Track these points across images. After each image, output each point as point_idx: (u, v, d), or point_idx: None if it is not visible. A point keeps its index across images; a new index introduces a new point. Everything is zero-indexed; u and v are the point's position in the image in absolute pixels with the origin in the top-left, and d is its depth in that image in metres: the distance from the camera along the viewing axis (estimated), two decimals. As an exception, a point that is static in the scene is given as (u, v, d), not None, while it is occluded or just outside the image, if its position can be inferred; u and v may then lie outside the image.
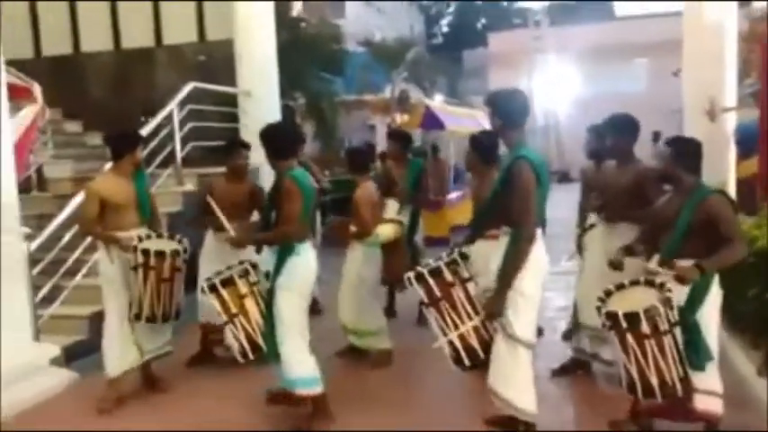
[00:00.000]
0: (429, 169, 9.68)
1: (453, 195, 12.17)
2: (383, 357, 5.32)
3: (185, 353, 5.39)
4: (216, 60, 9.04)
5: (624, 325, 3.37)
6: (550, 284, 5.81)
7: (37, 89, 6.90)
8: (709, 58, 7.12)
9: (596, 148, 4.93)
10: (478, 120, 14.27)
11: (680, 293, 3.44)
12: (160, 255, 4.54)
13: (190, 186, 7.20)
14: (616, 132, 4.53)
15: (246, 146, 5.43)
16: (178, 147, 7.28)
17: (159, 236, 4.71)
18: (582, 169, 5.17)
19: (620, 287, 3.53)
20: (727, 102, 7.16)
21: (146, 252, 4.50)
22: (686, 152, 3.68)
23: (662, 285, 3.41)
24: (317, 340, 4.33)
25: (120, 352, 4.61)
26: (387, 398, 4.71)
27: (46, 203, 7.22)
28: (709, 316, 3.54)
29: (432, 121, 13.31)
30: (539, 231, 3.64)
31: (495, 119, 3.72)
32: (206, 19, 9.34)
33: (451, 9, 45.04)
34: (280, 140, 4.15)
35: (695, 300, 3.48)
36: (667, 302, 3.37)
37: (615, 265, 3.89)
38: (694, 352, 3.45)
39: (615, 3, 35.60)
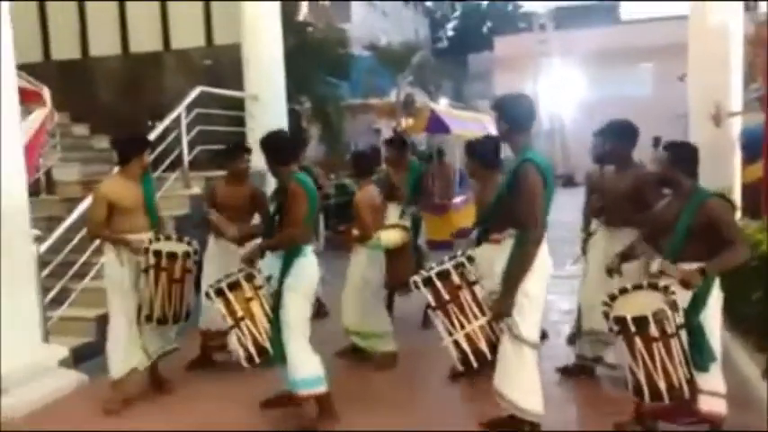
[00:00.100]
0: (435, 173, 9.74)
1: (458, 199, 12.20)
2: (387, 359, 5.35)
3: (185, 357, 5.43)
4: (223, 64, 9.10)
5: (633, 329, 3.40)
6: (554, 288, 5.82)
7: (47, 93, 6.97)
8: (715, 62, 7.13)
9: (602, 153, 4.97)
10: (484, 124, 14.29)
11: (683, 296, 3.47)
12: (172, 256, 4.58)
13: (197, 189, 7.25)
14: (614, 138, 4.60)
15: (248, 150, 5.48)
16: (185, 150, 7.33)
17: (168, 238, 4.75)
18: (587, 173, 5.21)
19: (624, 291, 3.55)
20: (732, 106, 7.17)
21: (157, 253, 4.54)
22: (684, 156, 3.72)
23: (666, 288, 3.44)
24: (321, 343, 4.36)
25: (125, 354, 4.64)
26: (390, 399, 4.75)
27: (54, 206, 7.28)
28: (712, 317, 3.58)
29: (437, 125, 13.34)
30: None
31: (501, 123, 3.76)
32: (213, 23, 9.41)
33: (457, 13, 45.08)
34: (281, 146, 4.23)
35: (698, 302, 3.52)
36: (674, 305, 3.40)
37: (612, 272, 3.92)
38: (699, 353, 3.48)
39: (621, 6, 35.59)
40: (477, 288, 3.78)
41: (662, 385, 3.40)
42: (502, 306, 3.61)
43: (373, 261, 5.36)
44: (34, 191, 6.95)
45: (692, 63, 7.50)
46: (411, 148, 13.46)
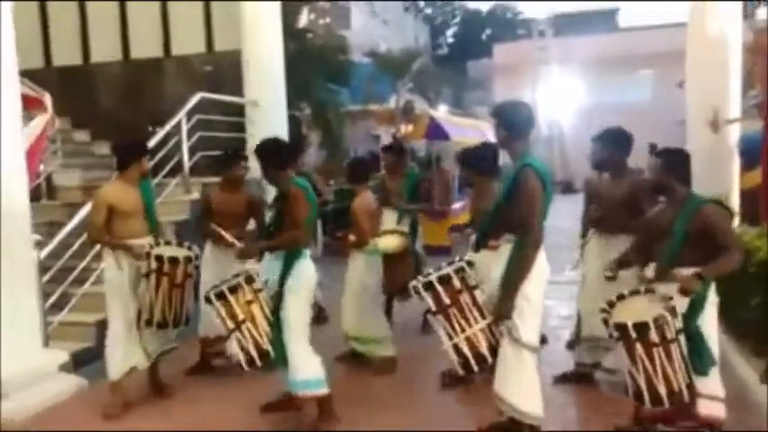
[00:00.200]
0: (434, 179, 9.76)
1: (457, 205, 12.21)
2: (386, 364, 5.37)
3: (185, 363, 5.46)
4: (223, 70, 9.13)
5: (634, 335, 3.41)
6: (553, 294, 5.87)
7: (48, 99, 7.00)
8: (713, 68, 7.16)
9: (599, 159, 5.00)
10: (483, 130, 14.32)
11: (681, 301, 3.50)
12: (174, 261, 4.60)
13: (197, 195, 7.26)
14: (609, 145, 4.64)
15: (244, 157, 5.50)
16: (186, 156, 7.36)
17: (168, 243, 4.78)
18: (586, 180, 5.24)
19: (621, 298, 3.58)
20: (730, 113, 7.20)
21: (159, 258, 4.56)
22: (677, 162, 3.76)
23: (663, 294, 3.47)
24: (320, 347, 4.38)
25: (123, 355, 4.66)
26: (390, 402, 4.76)
27: (55, 211, 7.31)
28: (709, 322, 3.61)
29: (437, 132, 13.37)
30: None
31: (500, 130, 3.80)
32: (214, 29, 9.44)
33: (456, 20, 45.28)
34: (278, 151, 4.29)
35: (696, 307, 3.54)
36: (673, 311, 3.43)
37: (609, 278, 3.95)
38: (698, 357, 3.51)
39: (619, 13, 35.71)
40: (477, 292, 3.81)
41: (662, 390, 3.41)
42: (502, 309, 3.63)
43: (371, 266, 5.40)
44: (35, 196, 6.97)
45: (691, 70, 7.53)
46: (411, 154, 13.55)
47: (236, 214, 5.35)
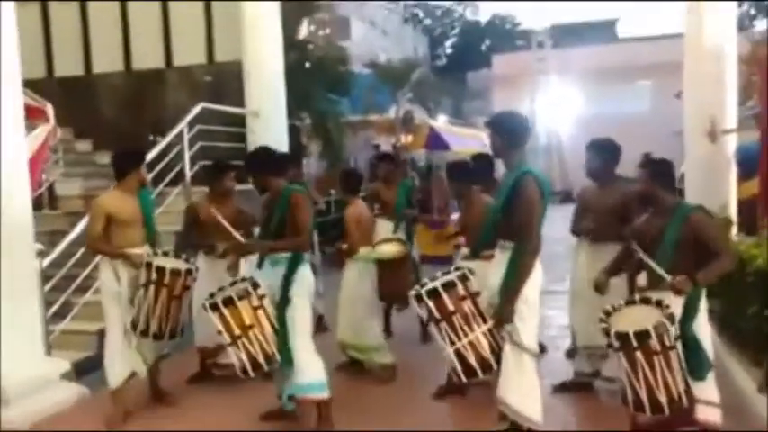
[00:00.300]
0: (433, 190, 9.82)
1: (456, 215, 12.23)
2: (387, 372, 5.40)
3: (186, 372, 5.49)
4: (224, 81, 9.20)
5: (635, 343, 3.44)
6: (553, 303, 5.92)
7: (50, 109, 7.05)
8: (710, 80, 7.23)
9: (588, 168, 5.06)
10: (483, 140, 14.40)
11: (675, 307, 3.54)
12: (175, 273, 4.58)
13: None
14: (597, 155, 4.72)
15: (233, 167, 5.50)
16: (187, 165, 7.41)
17: (165, 253, 4.75)
18: (581, 189, 5.27)
19: (617, 308, 3.62)
20: (727, 124, 7.26)
21: (160, 269, 4.53)
22: (662, 172, 3.84)
23: (659, 302, 3.51)
24: (321, 356, 4.39)
25: (122, 362, 4.66)
26: (390, 411, 4.78)
27: (57, 220, 7.35)
28: (703, 327, 3.69)
29: (437, 142, 13.47)
30: None
31: (496, 139, 3.85)
32: (215, 40, 9.52)
33: (455, 31, 45.50)
34: (270, 159, 4.39)
35: (690, 312, 3.60)
36: (671, 317, 3.47)
37: (598, 287, 3.99)
38: (696, 363, 3.56)
39: (618, 24, 35.90)
40: (479, 299, 3.85)
41: (663, 398, 3.44)
42: (503, 313, 3.68)
43: (365, 275, 5.44)
44: (37, 206, 7.01)
45: (688, 81, 7.61)
46: (411, 164, 13.63)
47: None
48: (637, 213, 4.20)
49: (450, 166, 5.22)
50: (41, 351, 5.21)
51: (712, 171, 7.25)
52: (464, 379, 3.83)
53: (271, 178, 4.30)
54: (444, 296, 3.80)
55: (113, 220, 4.58)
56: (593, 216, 4.77)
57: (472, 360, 3.75)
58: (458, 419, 4.67)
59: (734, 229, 6.68)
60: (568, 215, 5.05)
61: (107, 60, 10.02)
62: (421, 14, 45.11)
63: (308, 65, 12.71)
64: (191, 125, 7.53)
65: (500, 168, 4.23)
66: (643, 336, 3.42)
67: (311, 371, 4.21)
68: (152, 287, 4.53)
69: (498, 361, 3.78)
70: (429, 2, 44.41)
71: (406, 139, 13.49)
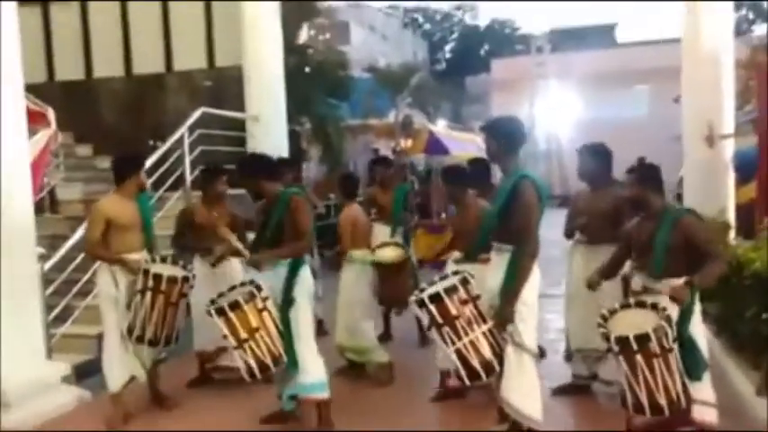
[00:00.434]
0: (432, 194, 9.84)
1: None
2: (384, 372, 5.42)
3: (186, 377, 5.52)
4: (224, 86, 9.24)
5: (635, 347, 3.47)
6: (551, 307, 5.94)
7: (51, 114, 7.07)
8: (707, 85, 7.28)
9: (580, 172, 5.10)
10: (482, 145, 14.41)
11: (671, 310, 3.59)
12: (172, 280, 4.58)
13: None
14: (588, 160, 4.76)
15: (225, 171, 5.52)
16: (188, 170, 7.43)
17: (163, 260, 4.75)
18: (576, 192, 5.31)
19: (613, 312, 3.65)
20: (725, 129, 7.30)
21: (157, 277, 4.53)
22: (651, 176, 3.90)
23: (654, 305, 3.54)
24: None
25: (120, 366, 4.68)
26: (388, 413, 4.80)
27: (58, 224, 7.38)
28: (698, 327, 3.74)
29: (436, 147, 13.48)
30: None
31: (492, 144, 3.89)
32: (215, 45, 9.57)
33: (455, 36, 45.57)
34: (263, 164, 4.43)
35: (686, 314, 3.65)
36: (669, 320, 3.51)
37: (591, 286, 4.02)
38: (693, 363, 3.61)
39: (617, 29, 35.98)
40: (479, 302, 3.88)
41: (662, 401, 3.48)
42: (503, 314, 3.71)
43: (361, 278, 5.47)
44: (38, 210, 7.00)
45: (686, 86, 7.65)
46: (410, 168, 13.64)
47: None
48: (627, 217, 4.24)
49: (444, 170, 5.25)
50: (42, 354, 5.22)
51: (710, 175, 7.29)
52: (467, 382, 3.85)
53: (264, 183, 4.32)
54: (447, 300, 3.82)
55: (112, 225, 4.58)
56: (586, 218, 4.81)
57: (475, 363, 3.77)
58: (457, 421, 4.69)
59: (732, 233, 6.71)
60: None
61: (108, 65, 10.07)
62: (420, 19, 45.24)
63: (307, 69, 12.75)
64: (191, 130, 7.55)
65: (497, 173, 4.26)
66: (643, 339, 3.45)
67: (314, 371, 4.27)
68: (149, 294, 4.53)
69: (501, 363, 3.80)
70: (429, 1, 44.51)
71: (405, 143, 13.50)
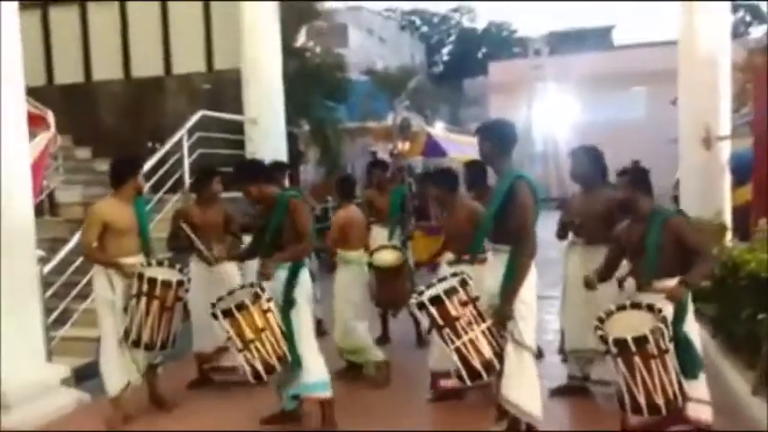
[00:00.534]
0: (429, 196, 9.86)
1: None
2: (381, 372, 5.44)
3: (185, 379, 5.53)
4: (223, 89, 9.26)
5: (633, 348, 3.50)
6: (549, 308, 5.96)
7: (51, 117, 7.08)
8: (704, 87, 7.32)
9: (572, 174, 5.14)
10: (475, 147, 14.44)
11: (667, 310, 3.63)
12: (166, 284, 4.57)
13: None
14: (579, 162, 4.81)
15: (217, 173, 5.54)
16: (187, 173, 7.45)
17: (160, 263, 4.74)
18: (571, 194, 5.34)
19: (610, 314, 3.69)
20: (721, 131, 7.34)
21: (152, 281, 4.52)
22: (640, 179, 3.96)
23: (650, 306, 3.58)
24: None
25: (118, 371, 4.69)
26: (387, 415, 4.83)
27: (58, 227, 7.39)
28: (691, 325, 3.79)
29: (434, 149, 13.52)
30: None
31: (485, 146, 3.94)
32: (214, 49, 9.59)
33: (452, 38, 45.65)
34: (258, 169, 4.49)
35: (681, 313, 3.70)
36: (665, 321, 3.55)
37: (588, 284, 4.07)
38: (688, 362, 3.65)
39: (613, 31, 36.05)
40: (478, 303, 3.91)
41: (660, 400, 3.51)
42: (503, 313, 3.74)
43: (356, 279, 5.50)
44: (37, 212, 7.01)
45: (682, 89, 7.69)
46: (408, 171, 13.68)
47: (217, 228, 5.39)
48: (618, 219, 4.28)
49: (433, 173, 5.29)
50: (42, 357, 5.24)
51: (707, 178, 7.33)
52: (469, 382, 3.87)
53: (261, 187, 4.35)
54: (447, 302, 3.84)
55: (109, 229, 4.57)
56: (579, 219, 4.84)
57: (476, 363, 3.80)
58: (456, 421, 4.71)
59: (728, 235, 6.75)
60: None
61: (107, 68, 10.08)
62: (418, 22, 45.32)
63: (306, 72, 12.79)
64: (190, 132, 7.58)
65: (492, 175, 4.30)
66: (641, 341, 3.49)
67: (316, 370, 4.31)
68: (143, 298, 4.52)
69: (501, 361, 3.83)
70: (427, 1, 44.57)
71: (403, 145, 13.54)
